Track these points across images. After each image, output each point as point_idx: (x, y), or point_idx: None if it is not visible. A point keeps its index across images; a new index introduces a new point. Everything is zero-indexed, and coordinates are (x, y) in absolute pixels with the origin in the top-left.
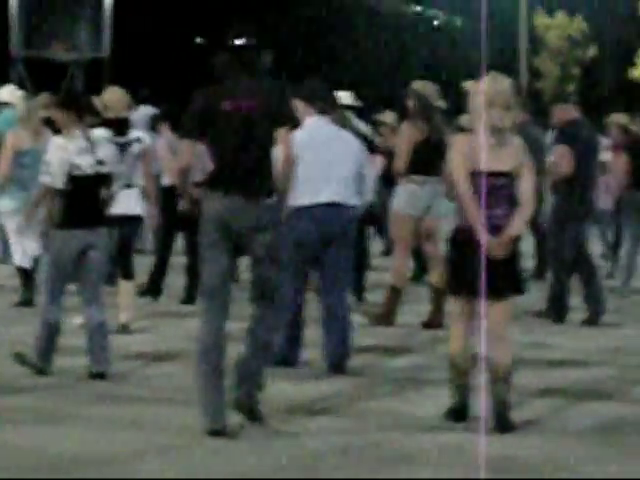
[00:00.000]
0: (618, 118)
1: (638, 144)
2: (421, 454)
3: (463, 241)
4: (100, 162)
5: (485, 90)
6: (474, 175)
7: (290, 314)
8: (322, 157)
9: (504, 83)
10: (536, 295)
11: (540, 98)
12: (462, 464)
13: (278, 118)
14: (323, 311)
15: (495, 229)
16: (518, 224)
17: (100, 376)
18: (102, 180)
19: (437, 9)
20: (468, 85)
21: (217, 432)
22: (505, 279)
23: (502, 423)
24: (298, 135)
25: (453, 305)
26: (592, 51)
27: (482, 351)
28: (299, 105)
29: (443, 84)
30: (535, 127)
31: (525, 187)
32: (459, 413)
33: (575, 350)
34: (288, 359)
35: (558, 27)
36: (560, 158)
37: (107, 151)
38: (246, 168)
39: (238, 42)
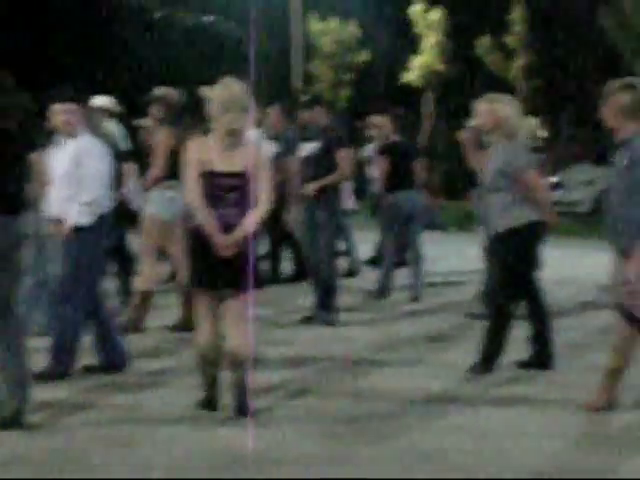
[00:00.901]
0: (377, 120)
1: (396, 146)
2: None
3: (200, 238)
4: None
5: (219, 95)
6: (208, 176)
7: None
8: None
9: (237, 88)
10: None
11: (315, 102)
12: (207, 457)
13: (28, 139)
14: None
15: (228, 228)
16: (250, 223)
17: None
18: None
19: (215, 16)
20: (204, 91)
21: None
22: (240, 274)
23: (241, 408)
24: (88, 145)
25: (197, 299)
26: (364, 56)
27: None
28: (77, 112)
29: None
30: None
31: (261, 187)
32: (210, 403)
33: (309, 346)
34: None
35: (331, 32)
36: (344, 161)
37: None
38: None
39: None
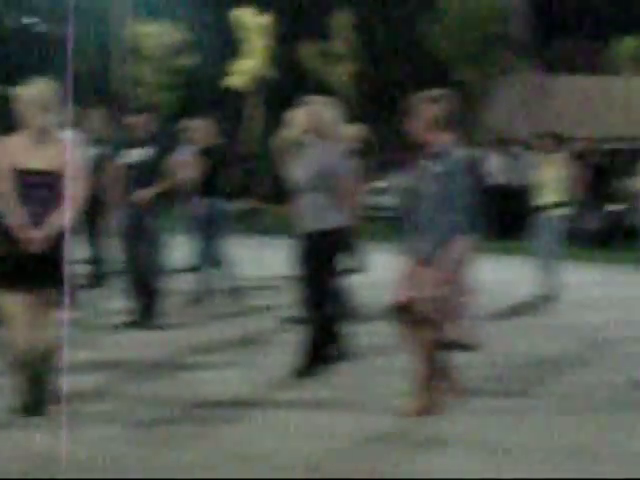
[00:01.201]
0: (196, 124)
1: (215, 150)
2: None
3: (10, 237)
4: None
5: (28, 94)
6: (16, 173)
7: None
8: None
9: (46, 87)
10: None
11: (143, 108)
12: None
13: None
14: None
15: (37, 225)
16: (58, 219)
17: None
18: None
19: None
20: (14, 90)
21: None
22: (50, 272)
23: (37, 406)
24: None
25: (7, 300)
26: (191, 60)
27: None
28: None
29: None
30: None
31: (73, 187)
32: (27, 408)
33: (122, 350)
34: None
35: (157, 35)
36: (176, 168)
37: None
38: None
39: None
